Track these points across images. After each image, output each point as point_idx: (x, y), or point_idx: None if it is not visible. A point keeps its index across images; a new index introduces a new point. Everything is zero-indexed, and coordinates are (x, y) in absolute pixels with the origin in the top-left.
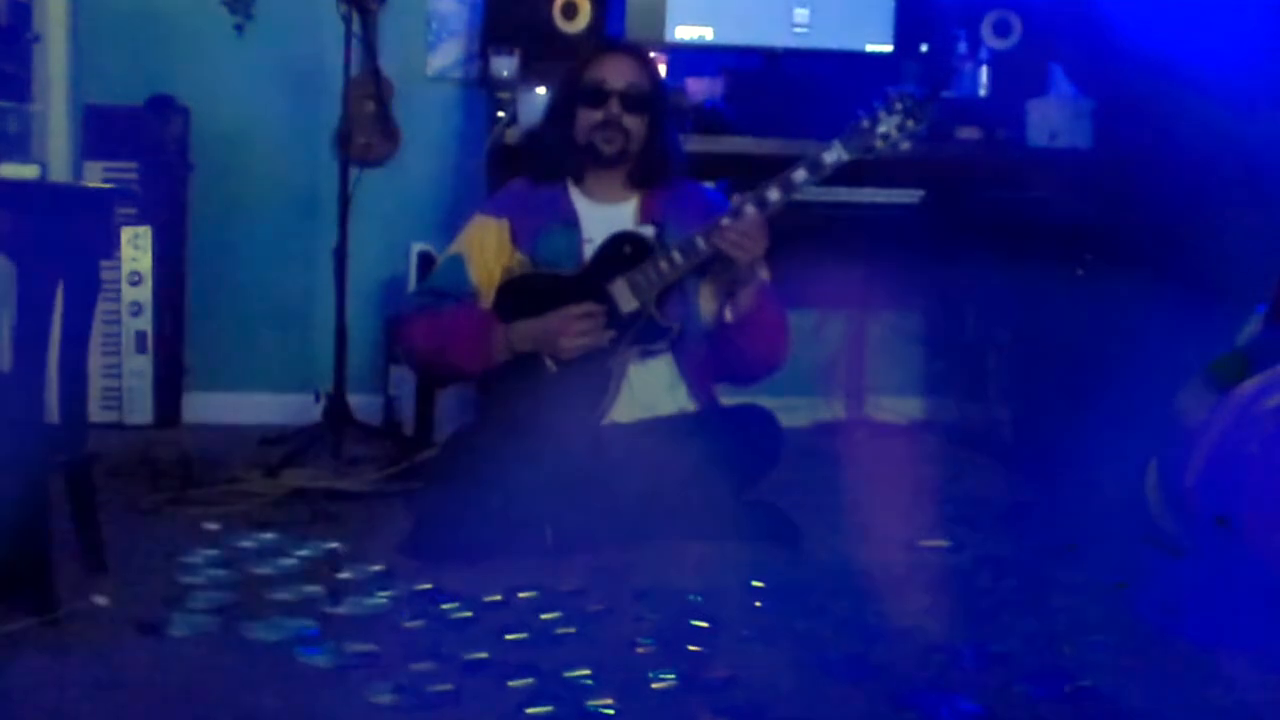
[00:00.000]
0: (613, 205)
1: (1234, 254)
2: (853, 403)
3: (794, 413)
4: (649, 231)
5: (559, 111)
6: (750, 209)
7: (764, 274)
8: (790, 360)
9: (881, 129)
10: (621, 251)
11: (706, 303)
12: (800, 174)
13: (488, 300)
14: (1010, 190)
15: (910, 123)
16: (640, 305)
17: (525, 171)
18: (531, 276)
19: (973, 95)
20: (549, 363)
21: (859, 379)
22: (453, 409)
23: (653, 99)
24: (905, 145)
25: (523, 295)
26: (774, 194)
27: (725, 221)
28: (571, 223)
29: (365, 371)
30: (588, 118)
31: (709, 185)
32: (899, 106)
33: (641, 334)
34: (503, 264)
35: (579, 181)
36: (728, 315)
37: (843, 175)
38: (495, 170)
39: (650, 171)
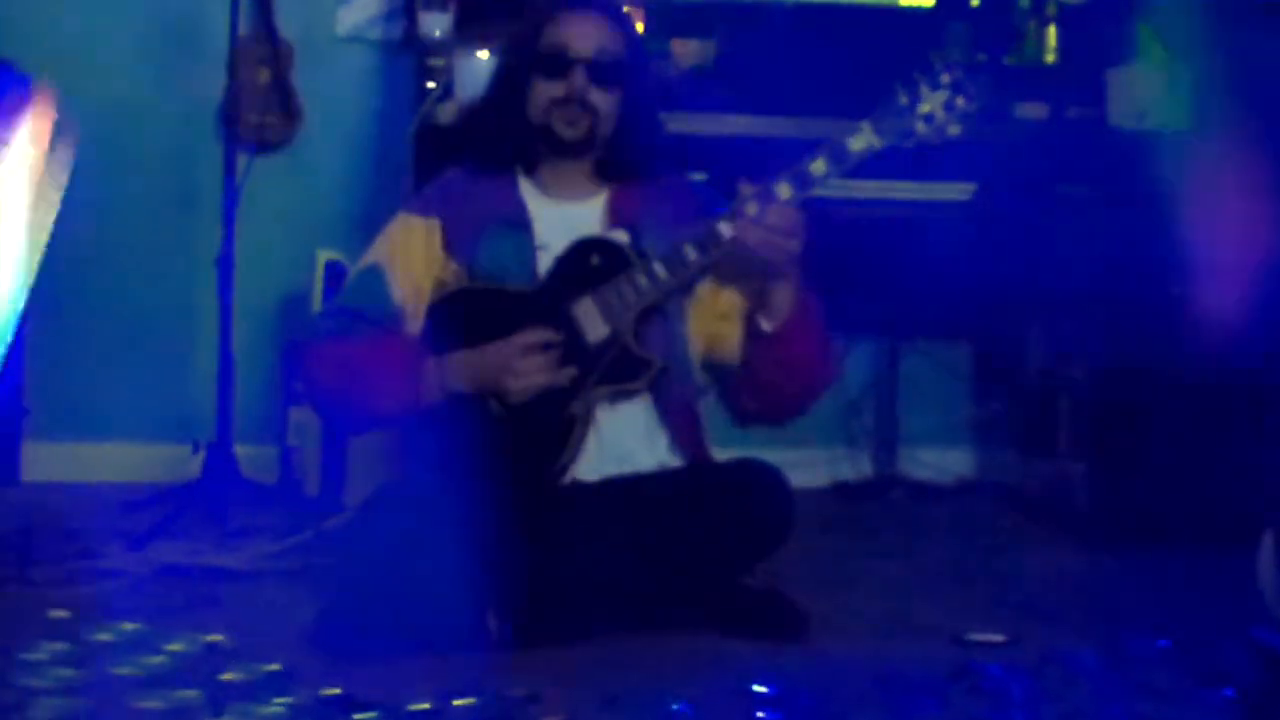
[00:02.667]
0: (575, 203)
1: None
2: (883, 456)
3: (807, 469)
4: (622, 238)
5: (507, 83)
6: (785, 187)
7: None
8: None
9: (923, 108)
10: (587, 263)
11: (701, 325)
12: (819, 165)
13: (415, 324)
14: (1086, 185)
15: (960, 100)
16: (611, 332)
17: (463, 159)
18: (471, 294)
19: (1038, 64)
20: (493, 405)
21: (891, 426)
22: (370, 464)
23: (628, 68)
24: (953, 129)
25: (460, 318)
26: (785, 190)
27: (752, 209)
28: (521, 225)
29: (257, 416)
30: (545, 92)
31: (698, 179)
32: (946, 79)
33: (613, 369)
34: (434, 277)
35: (532, 172)
36: (765, 325)
37: (873, 166)
38: (424, 157)
39: (624, 161)
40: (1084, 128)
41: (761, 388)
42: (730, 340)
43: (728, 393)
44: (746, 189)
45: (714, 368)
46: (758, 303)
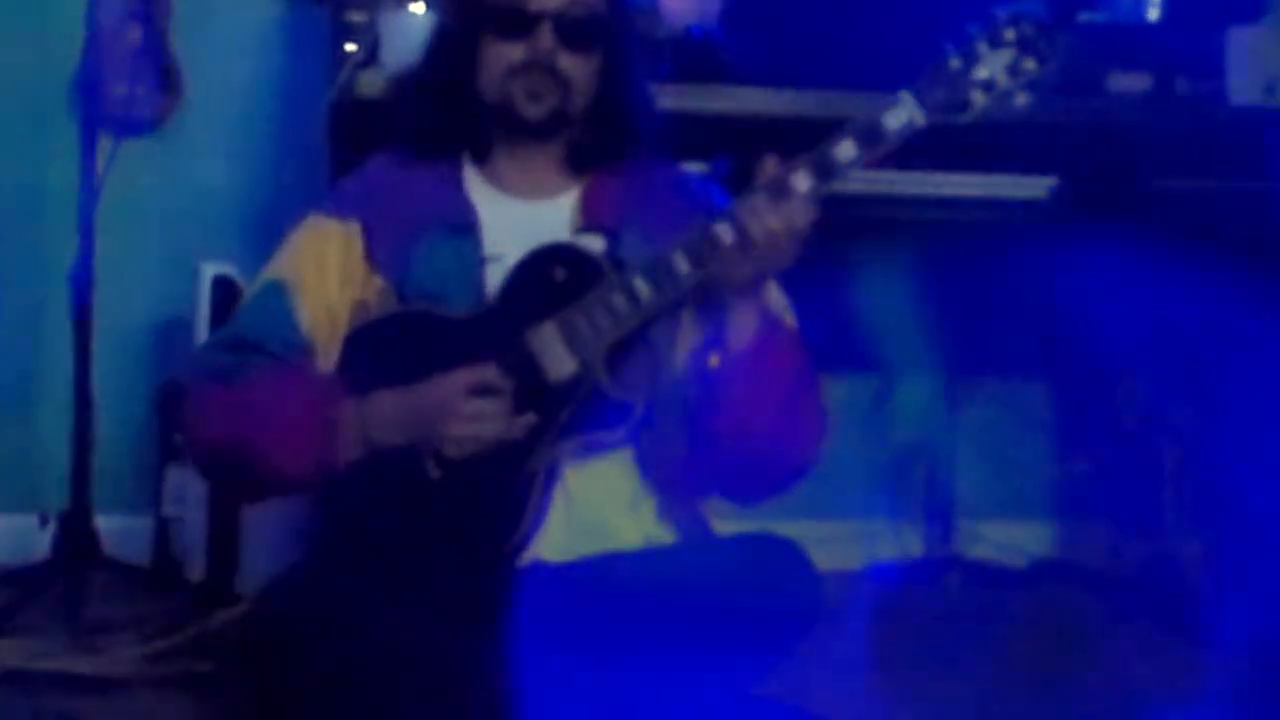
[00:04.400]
0: (537, 201)
1: None
2: (936, 530)
3: (838, 547)
4: (595, 245)
5: (451, 45)
6: (802, 177)
7: (776, 297)
8: (828, 456)
9: (981, 72)
10: (550, 278)
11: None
12: (845, 149)
13: (328, 358)
14: (1200, 176)
15: (1029, 62)
16: (580, 367)
17: (392, 143)
18: (400, 319)
19: (1137, 20)
20: (429, 464)
21: (946, 491)
22: (270, 540)
23: (607, 26)
24: (1021, 99)
25: (386, 350)
26: (802, 181)
27: (757, 207)
28: (467, 229)
29: (124, 478)
30: (500, 56)
31: (695, 169)
32: (1011, 35)
33: (583, 416)
34: (352, 297)
35: (482, 161)
36: (713, 360)
37: (918, 151)
38: (342, 141)
39: (602, 146)
40: (1198, 104)
41: (705, 452)
42: None
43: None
44: (767, 168)
45: None
46: (712, 324)
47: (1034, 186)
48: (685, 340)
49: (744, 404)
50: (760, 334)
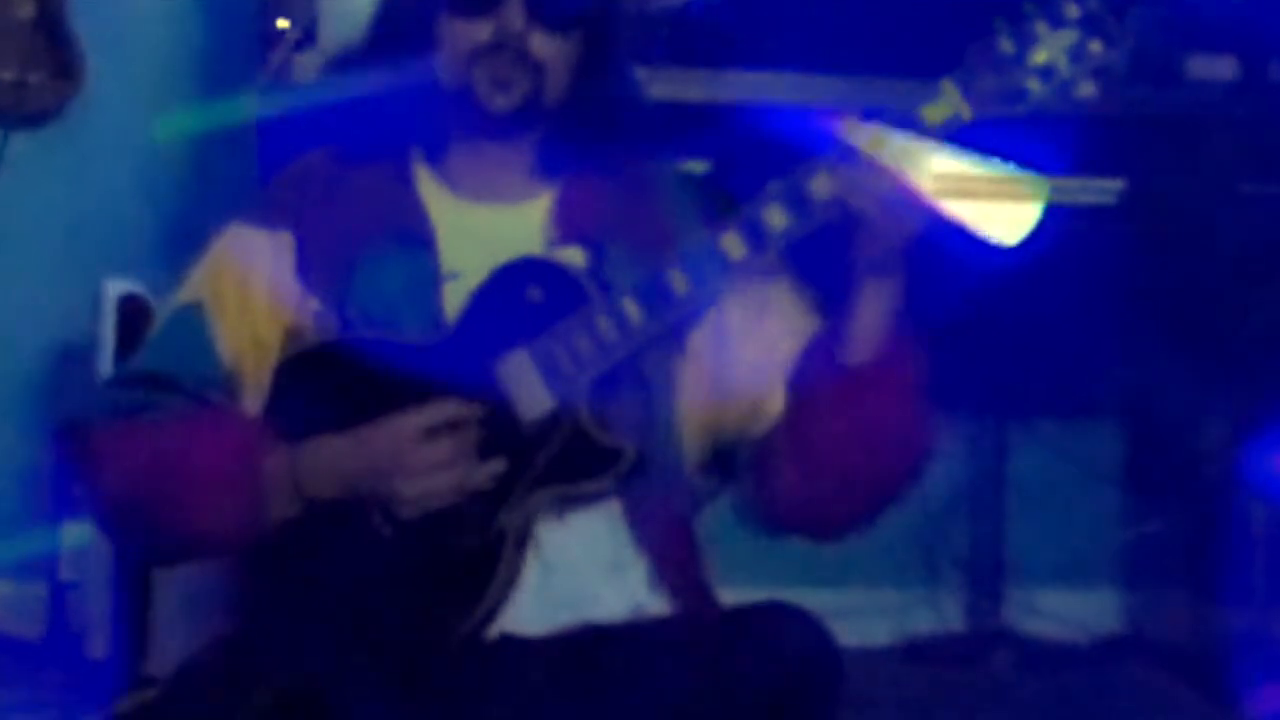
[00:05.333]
0: (505, 207)
1: None
2: (982, 601)
3: (866, 619)
4: (575, 260)
5: (402, 23)
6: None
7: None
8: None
9: (1038, 57)
10: (521, 299)
11: (706, 382)
12: (874, 141)
13: (255, 395)
14: None
15: (1095, 45)
16: (558, 406)
17: (331, 139)
18: (340, 348)
19: None
20: (378, 519)
21: (994, 552)
22: (185, 612)
23: (587, 1)
24: (1086, 89)
25: (324, 386)
26: (820, 185)
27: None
28: (420, 241)
29: (12, 537)
30: (462, 36)
31: (695, 169)
32: (1073, 13)
33: (561, 463)
34: (283, 322)
35: (438, 160)
36: (843, 357)
37: (961, 150)
38: (272, 136)
39: (580, 142)
40: None
41: (820, 467)
42: (765, 400)
43: (757, 482)
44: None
45: (724, 453)
46: (833, 322)
47: (1100, 191)
48: (689, 374)
49: (881, 406)
50: (893, 328)
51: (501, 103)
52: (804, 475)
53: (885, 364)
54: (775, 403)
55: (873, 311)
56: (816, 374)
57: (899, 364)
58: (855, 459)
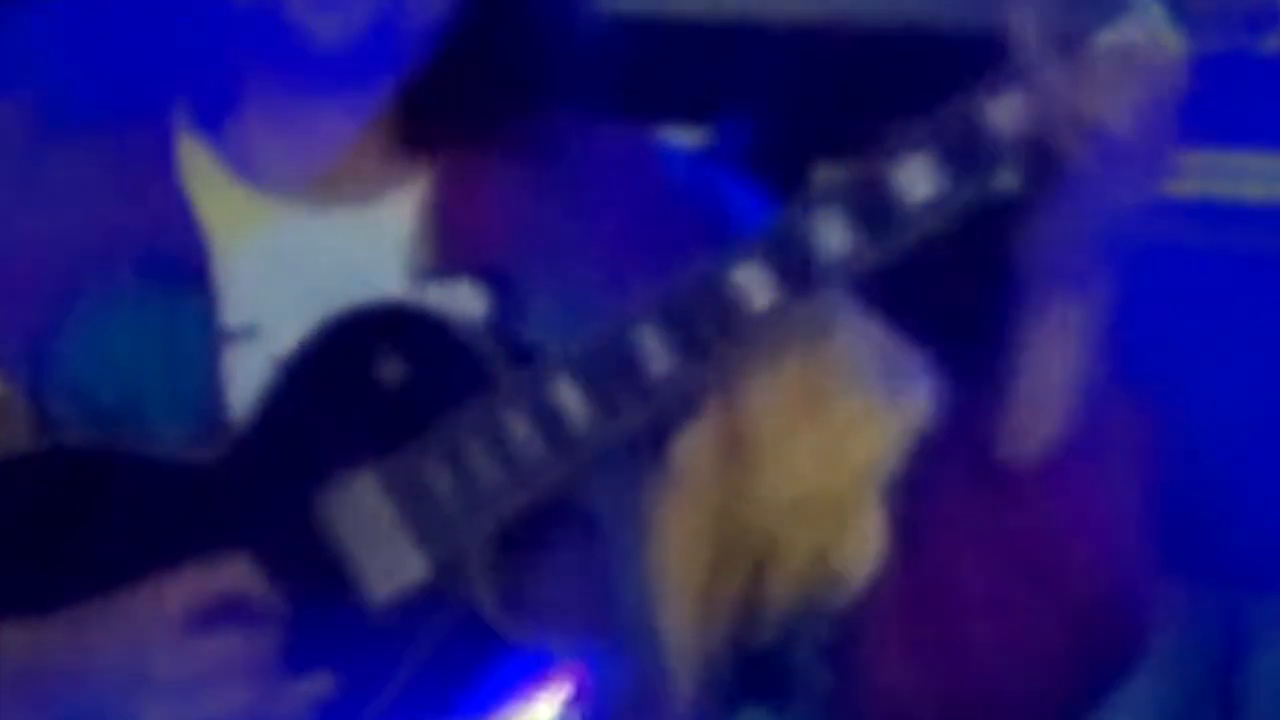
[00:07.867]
0: (337, 208)
1: None
2: None
3: None
4: (465, 304)
5: None
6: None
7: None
8: None
9: None
10: (365, 380)
11: (687, 541)
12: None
13: None
14: None
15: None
16: (437, 574)
17: (30, 81)
18: (46, 465)
19: None
20: None
21: None
22: None
23: None
24: None
25: (20, 532)
26: (1003, 114)
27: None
28: (183, 270)
29: None
30: None
31: (680, 138)
32: None
33: (440, 675)
34: None
35: (214, 125)
36: (1013, 443)
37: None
38: None
39: (471, 95)
40: None
41: (965, 646)
42: (839, 540)
43: (840, 688)
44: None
45: (762, 650)
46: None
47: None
48: (677, 508)
49: (1036, 555)
50: (1080, 406)
51: (328, 32)
52: (931, 664)
53: (1083, 456)
54: (865, 541)
55: (1058, 360)
56: (948, 484)
57: (1108, 454)
58: (1031, 628)
